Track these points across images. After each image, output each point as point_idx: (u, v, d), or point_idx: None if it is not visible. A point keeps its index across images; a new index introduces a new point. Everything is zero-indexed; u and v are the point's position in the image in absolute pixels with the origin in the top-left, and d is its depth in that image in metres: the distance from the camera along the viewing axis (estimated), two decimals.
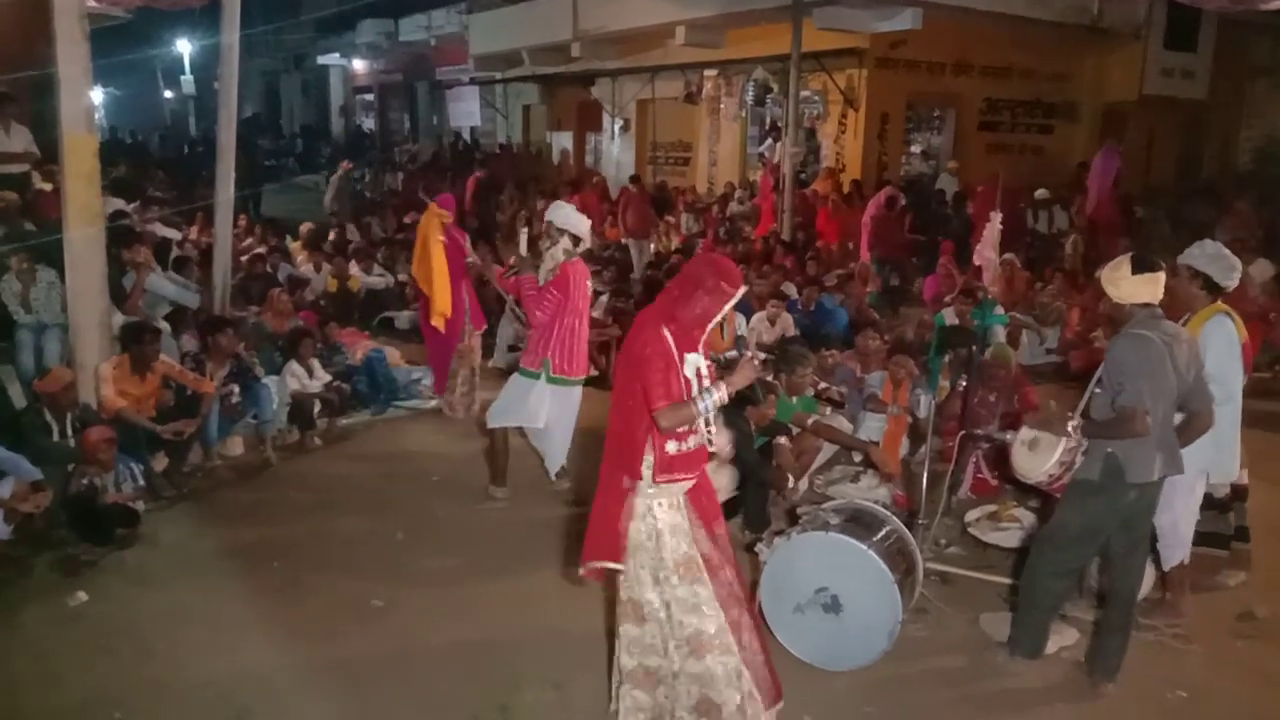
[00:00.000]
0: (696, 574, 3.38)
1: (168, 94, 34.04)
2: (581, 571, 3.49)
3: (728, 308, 3.32)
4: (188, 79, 29.26)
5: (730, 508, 5.46)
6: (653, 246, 13.84)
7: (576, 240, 5.61)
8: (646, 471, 3.34)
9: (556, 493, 6.04)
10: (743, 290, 3.39)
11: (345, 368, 7.79)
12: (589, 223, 5.82)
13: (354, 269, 10.87)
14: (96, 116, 7.53)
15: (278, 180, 24.43)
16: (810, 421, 6.04)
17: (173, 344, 7.11)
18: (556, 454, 5.92)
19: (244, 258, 10.62)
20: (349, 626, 4.54)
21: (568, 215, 5.61)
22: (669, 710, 3.48)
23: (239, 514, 5.86)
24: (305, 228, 12.56)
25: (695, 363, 3.34)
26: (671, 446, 3.35)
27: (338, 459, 6.88)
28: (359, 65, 31.48)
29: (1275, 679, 4.25)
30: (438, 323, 7.01)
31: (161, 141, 29.61)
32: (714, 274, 3.31)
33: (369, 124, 33.10)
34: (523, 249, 5.80)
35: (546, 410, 5.62)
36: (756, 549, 4.45)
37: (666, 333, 3.30)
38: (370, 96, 33.48)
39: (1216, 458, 4.30)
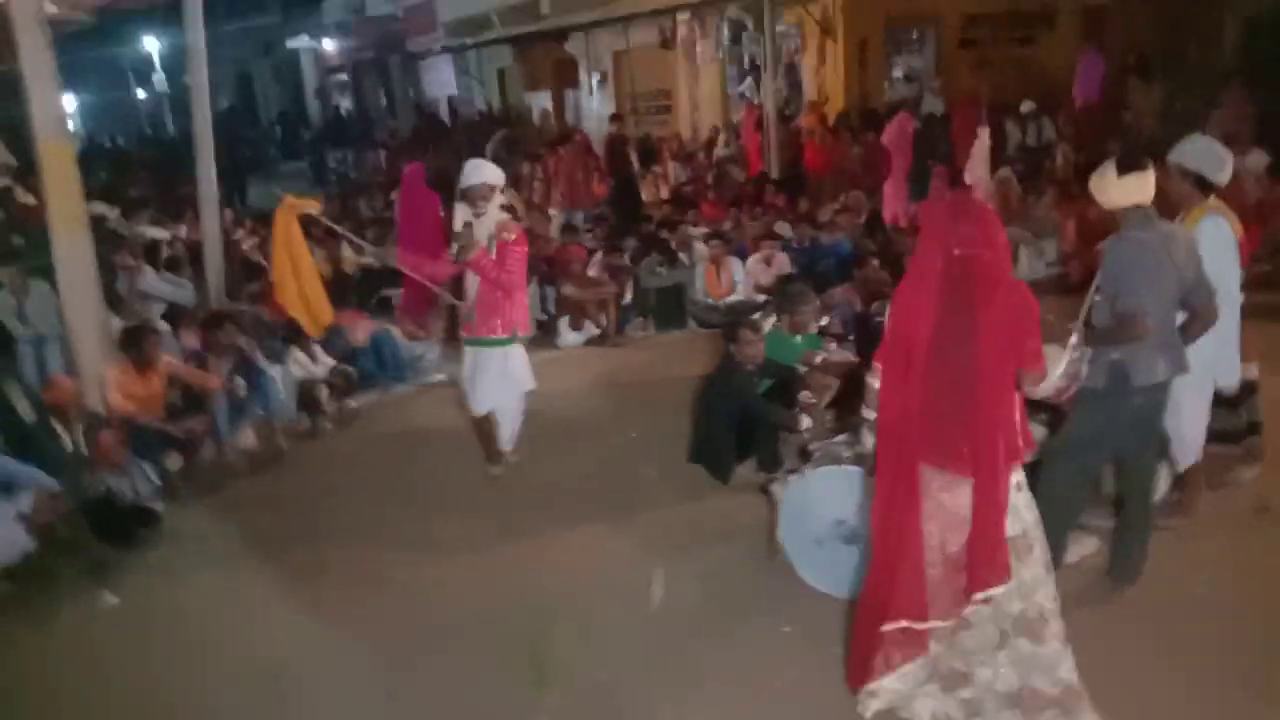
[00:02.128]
0: None
1: (141, 94, 33.65)
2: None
3: None
4: (159, 77, 28.91)
5: (742, 451, 5.51)
6: (644, 194, 13.72)
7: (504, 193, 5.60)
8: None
9: (511, 462, 5.93)
10: None
11: (348, 349, 7.80)
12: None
13: (345, 250, 10.82)
14: (71, 123, 7.48)
15: (260, 170, 24.26)
16: (819, 359, 6.05)
17: (173, 343, 7.12)
18: (517, 421, 5.86)
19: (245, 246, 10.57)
20: (375, 601, 4.61)
21: (494, 170, 5.41)
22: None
23: (258, 503, 5.91)
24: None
25: None
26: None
27: (349, 440, 6.92)
28: (329, 45, 31.03)
29: None
30: (314, 332, 6.67)
31: (140, 143, 29.35)
32: (987, 210, 3.20)
33: (346, 104, 32.76)
34: (458, 225, 5.32)
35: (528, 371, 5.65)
36: (770, 489, 4.48)
37: None
38: (344, 76, 33.07)
39: (1218, 356, 4.29)
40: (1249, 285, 4.63)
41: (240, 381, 6.59)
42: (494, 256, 5.24)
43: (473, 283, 5.39)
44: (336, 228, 6.57)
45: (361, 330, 8.13)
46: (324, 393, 7.11)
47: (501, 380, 5.54)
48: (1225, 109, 13.09)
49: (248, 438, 6.73)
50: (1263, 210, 8.86)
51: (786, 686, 3.72)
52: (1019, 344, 3.03)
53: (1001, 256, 3.05)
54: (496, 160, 14.39)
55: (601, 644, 4.08)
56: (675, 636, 4.10)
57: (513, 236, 5.28)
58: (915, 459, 3.06)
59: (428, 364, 8.23)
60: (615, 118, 15.61)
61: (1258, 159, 9.95)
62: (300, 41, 31.62)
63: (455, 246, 5.32)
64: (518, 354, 5.56)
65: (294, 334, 7.33)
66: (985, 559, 3.06)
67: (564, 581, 4.64)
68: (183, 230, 11.65)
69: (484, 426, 5.76)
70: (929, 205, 3.17)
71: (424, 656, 4.12)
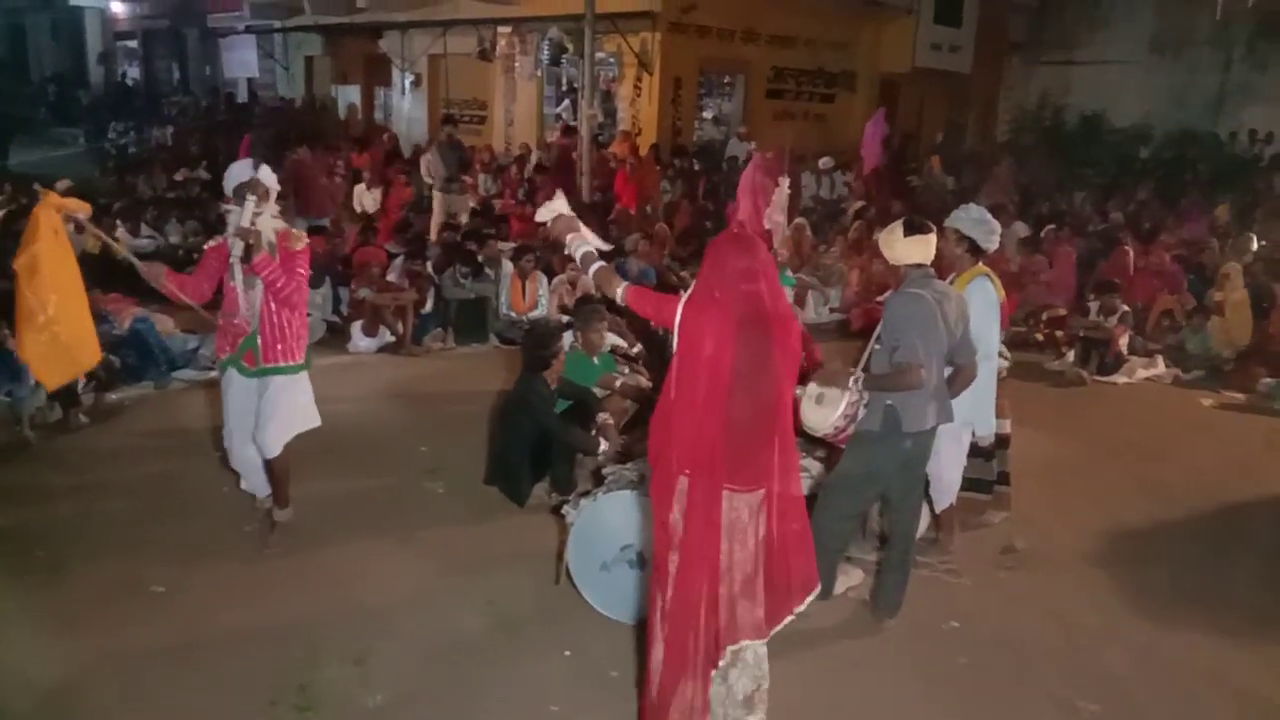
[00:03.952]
0: None
1: None
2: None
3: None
4: None
5: (537, 472, 5.48)
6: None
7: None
8: None
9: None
10: None
11: (113, 338, 7.19)
12: None
13: (119, 230, 10.02)
14: None
15: (27, 132, 22.13)
16: (619, 383, 6.11)
17: None
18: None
19: None
20: (128, 614, 4.23)
21: (268, 171, 4.63)
22: None
23: None
24: (63, 184, 11.43)
25: None
26: None
27: (107, 436, 6.36)
28: (119, 8, 28.80)
29: (1032, 603, 4.71)
30: (57, 382, 4.77)
31: None
32: (762, 244, 3.33)
33: (133, 73, 30.44)
34: (246, 220, 4.44)
35: None
36: (563, 511, 4.47)
37: None
38: (133, 44, 30.74)
39: (976, 410, 4.66)
40: (1006, 346, 5.07)
41: None
42: (284, 267, 4.52)
43: (251, 298, 4.59)
44: (108, 239, 4.90)
45: (128, 317, 7.53)
46: (80, 382, 6.51)
47: (308, 409, 4.83)
48: (993, 183, 14.42)
49: None
50: (1021, 277, 9.78)
51: (561, 711, 3.71)
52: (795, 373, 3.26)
53: (777, 289, 3.22)
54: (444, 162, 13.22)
55: (376, 667, 3.93)
56: (453, 660, 4.01)
57: (300, 246, 4.62)
58: (719, 483, 3.14)
59: (201, 358, 7.71)
60: (569, 130, 14.92)
61: (1019, 230, 11.00)
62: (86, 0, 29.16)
63: (239, 246, 4.45)
64: (306, 383, 4.84)
65: None
66: (800, 571, 3.29)
67: (339, 600, 4.43)
68: None
69: (284, 466, 4.87)
70: (715, 239, 3.33)
71: (178, 674, 3.83)
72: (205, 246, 4.78)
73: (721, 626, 3.22)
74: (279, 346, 4.65)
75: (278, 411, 4.70)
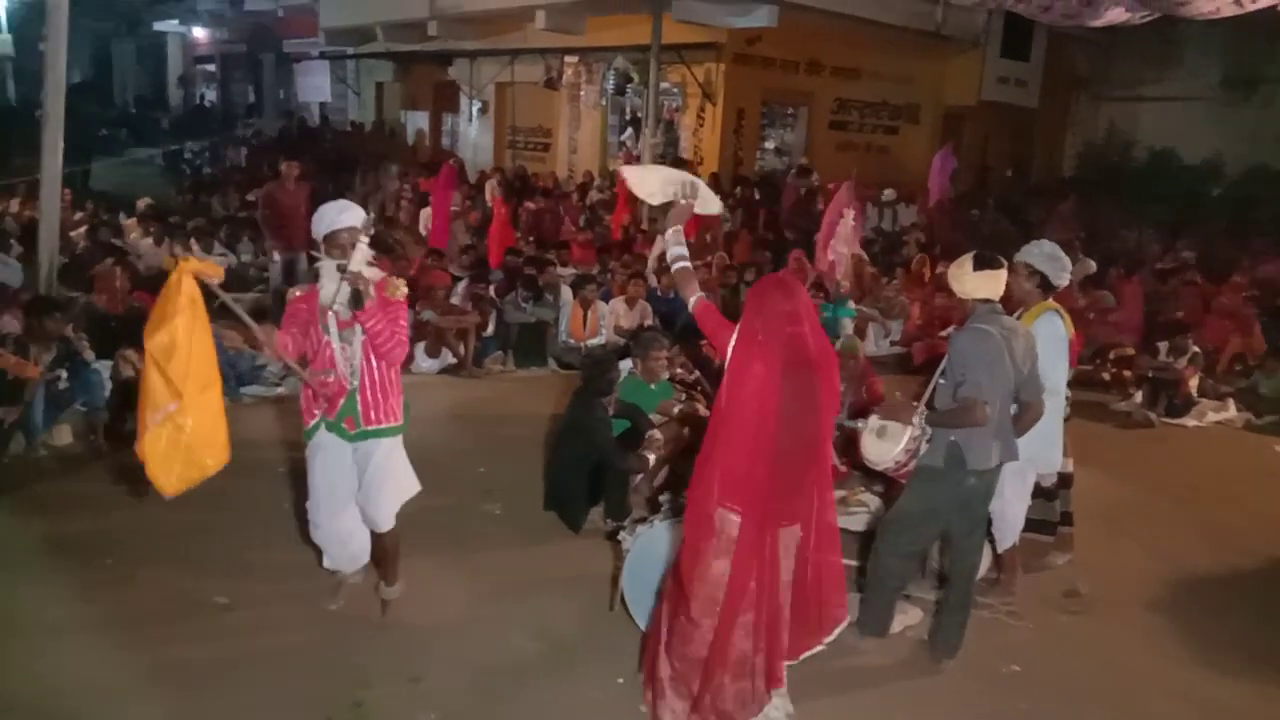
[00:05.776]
0: None
1: None
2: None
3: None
4: (4, 39, 27.01)
5: (591, 496, 5.49)
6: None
7: None
8: None
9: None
10: None
11: None
12: None
13: (194, 248, 10.33)
14: None
15: (111, 153, 22.94)
16: (677, 410, 6.11)
17: None
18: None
19: (73, 233, 9.93)
20: (190, 625, 4.32)
21: (359, 211, 4.12)
22: None
23: (66, 507, 5.48)
24: (143, 203, 11.86)
25: None
26: None
27: None
28: (199, 33, 29.87)
29: (1096, 649, 4.59)
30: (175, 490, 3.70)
31: None
32: (802, 287, 3.52)
33: (211, 96, 31.46)
34: (357, 265, 3.91)
35: None
36: (619, 537, 4.47)
37: None
38: (212, 67, 31.84)
39: (1041, 448, 4.57)
40: (1071, 384, 4.98)
41: (62, 374, 6.16)
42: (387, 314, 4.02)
43: (350, 354, 4.07)
44: (230, 302, 3.86)
45: None
46: None
47: (401, 480, 4.35)
48: (1059, 218, 14.21)
49: (64, 435, 6.29)
50: (1088, 313, 9.59)
51: None
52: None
53: (819, 329, 3.32)
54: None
55: (430, 687, 3.96)
56: (506, 683, 4.02)
57: (400, 295, 4.10)
58: (772, 519, 3.17)
59: (268, 375, 7.88)
60: (804, 170, 14.54)
61: (1085, 267, 10.77)
62: (169, 25, 30.25)
63: (346, 293, 3.92)
64: (402, 445, 4.36)
65: (128, 329, 6.90)
66: (831, 604, 3.40)
67: (395, 619, 4.47)
68: (14, 205, 10.90)
69: (396, 538, 4.42)
70: (756, 283, 3.50)
71: (235, 686, 3.89)
72: (289, 295, 4.30)
73: (778, 658, 3.26)
74: (381, 408, 4.16)
75: (387, 481, 4.26)
